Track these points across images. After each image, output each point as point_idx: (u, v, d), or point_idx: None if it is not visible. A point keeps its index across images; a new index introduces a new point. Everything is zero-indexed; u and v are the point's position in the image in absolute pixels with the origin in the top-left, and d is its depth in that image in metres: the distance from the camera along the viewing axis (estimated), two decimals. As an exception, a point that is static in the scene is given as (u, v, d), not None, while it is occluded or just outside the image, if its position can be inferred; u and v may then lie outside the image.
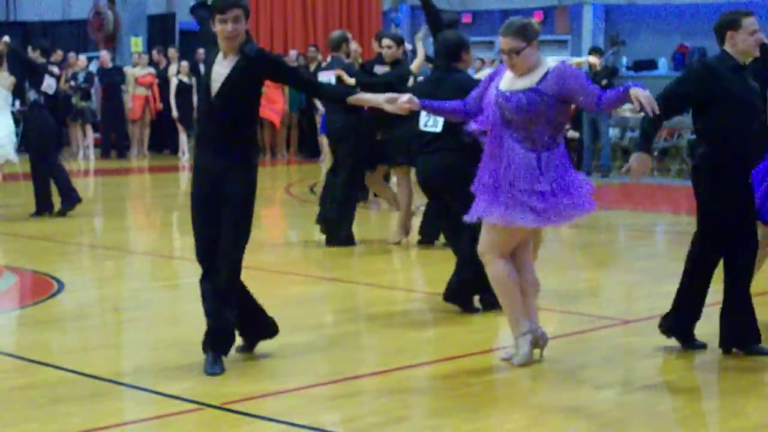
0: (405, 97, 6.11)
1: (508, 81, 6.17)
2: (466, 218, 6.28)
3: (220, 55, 6.11)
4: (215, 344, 6.13)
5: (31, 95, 12.53)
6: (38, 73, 12.42)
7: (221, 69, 6.07)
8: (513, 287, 6.28)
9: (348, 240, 10.61)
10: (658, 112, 5.76)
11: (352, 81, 10.87)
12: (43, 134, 12.49)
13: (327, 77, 11.09)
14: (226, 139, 6.07)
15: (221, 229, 6.07)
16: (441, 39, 8.06)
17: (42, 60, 12.76)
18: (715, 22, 6.58)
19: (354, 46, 13.05)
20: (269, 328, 6.52)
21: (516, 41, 6.05)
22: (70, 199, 12.69)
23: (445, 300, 7.61)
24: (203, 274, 6.18)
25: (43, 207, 12.69)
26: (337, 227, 10.61)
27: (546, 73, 6.04)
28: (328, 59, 11.90)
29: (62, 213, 12.63)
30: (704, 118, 6.43)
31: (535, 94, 6.01)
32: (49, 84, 12.45)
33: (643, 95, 5.73)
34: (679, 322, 6.62)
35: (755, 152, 6.58)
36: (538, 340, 6.42)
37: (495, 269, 6.28)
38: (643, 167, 6.29)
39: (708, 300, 6.66)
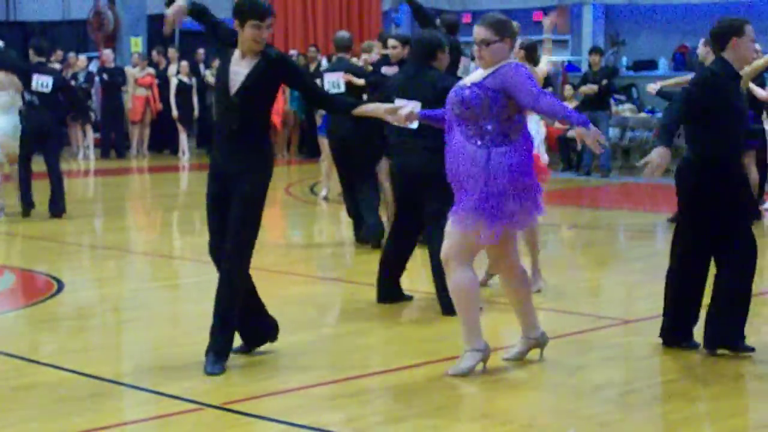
0: (406, 110, 6.18)
1: (472, 76, 6.16)
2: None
3: (236, 56, 6.17)
4: (215, 344, 6.14)
5: (26, 96, 12.55)
6: (24, 75, 12.45)
7: (240, 69, 6.13)
8: (475, 299, 6.11)
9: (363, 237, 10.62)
10: (602, 150, 5.90)
11: (361, 82, 10.86)
12: (38, 134, 12.49)
13: (334, 78, 11.08)
14: (241, 139, 6.13)
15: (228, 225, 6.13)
16: (417, 38, 8.08)
17: (39, 59, 12.74)
18: (714, 29, 6.52)
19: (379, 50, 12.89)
20: (269, 333, 6.53)
21: (488, 33, 6.00)
22: (58, 206, 12.69)
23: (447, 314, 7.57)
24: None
25: (28, 207, 12.68)
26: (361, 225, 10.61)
27: (496, 70, 5.98)
28: (323, 60, 11.88)
29: (57, 215, 12.62)
30: (701, 125, 6.39)
31: (479, 88, 5.96)
32: (41, 82, 12.45)
33: (588, 136, 5.82)
34: (676, 325, 6.62)
35: (739, 155, 6.63)
36: (539, 341, 6.42)
37: (459, 278, 6.07)
38: (662, 161, 6.12)
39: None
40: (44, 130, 12.50)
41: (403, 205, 7.92)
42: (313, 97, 6.53)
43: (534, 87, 5.90)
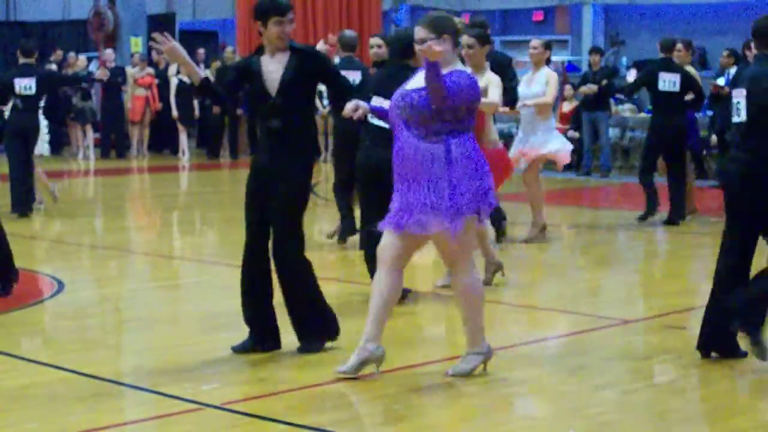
0: (349, 106, 6.26)
1: (414, 80, 6.06)
2: (395, 232, 5.95)
3: (265, 59, 6.34)
4: (303, 329, 6.51)
5: (11, 99, 12.62)
6: (6, 86, 12.53)
7: (273, 68, 6.31)
8: (482, 301, 6.06)
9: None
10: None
11: None
12: (23, 135, 12.60)
13: (350, 77, 11.10)
14: (284, 139, 6.30)
15: (271, 225, 6.36)
16: (395, 35, 8.11)
17: (26, 60, 12.78)
18: (763, 26, 6.34)
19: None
20: (278, 340, 6.60)
21: (425, 32, 5.94)
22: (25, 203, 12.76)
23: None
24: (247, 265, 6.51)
25: (19, 207, 12.72)
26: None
27: (448, 74, 5.86)
28: (337, 58, 11.87)
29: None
30: (760, 126, 6.27)
31: (427, 92, 5.85)
32: (23, 86, 12.52)
33: (430, 51, 5.66)
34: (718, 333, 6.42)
35: None
36: (373, 355, 6.03)
37: (467, 280, 6.01)
38: None
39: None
40: (28, 131, 12.64)
41: (371, 200, 7.87)
42: (341, 91, 6.65)
43: (457, 82, 5.80)
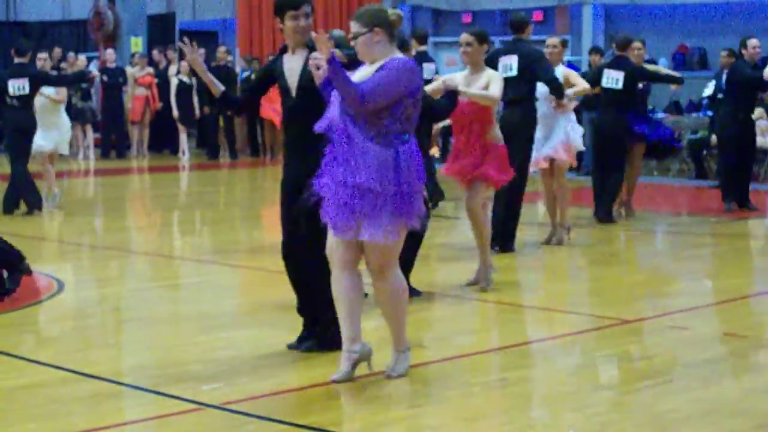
0: (315, 55, 5.90)
1: (357, 74, 5.89)
2: (333, 234, 5.88)
3: (285, 57, 6.39)
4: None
5: (7, 99, 12.67)
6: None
7: (292, 65, 6.34)
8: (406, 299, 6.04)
9: None
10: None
11: None
12: (22, 134, 12.70)
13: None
14: (306, 142, 6.22)
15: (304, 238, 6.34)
16: None
17: (21, 60, 12.82)
18: None
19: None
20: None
21: (356, 26, 5.82)
22: (10, 202, 12.88)
23: None
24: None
25: (31, 207, 12.80)
26: None
27: (382, 66, 5.74)
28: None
29: (10, 211, 12.82)
30: None
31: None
32: (17, 86, 12.59)
33: (319, 40, 5.57)
34: None
35: None
36: (362, 355, 6.03)
37: (396, 283, 5.95)
38: None
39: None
40: (27, 128, 12.73)
41: None
42: None
43: (378, 79, 5.65)
